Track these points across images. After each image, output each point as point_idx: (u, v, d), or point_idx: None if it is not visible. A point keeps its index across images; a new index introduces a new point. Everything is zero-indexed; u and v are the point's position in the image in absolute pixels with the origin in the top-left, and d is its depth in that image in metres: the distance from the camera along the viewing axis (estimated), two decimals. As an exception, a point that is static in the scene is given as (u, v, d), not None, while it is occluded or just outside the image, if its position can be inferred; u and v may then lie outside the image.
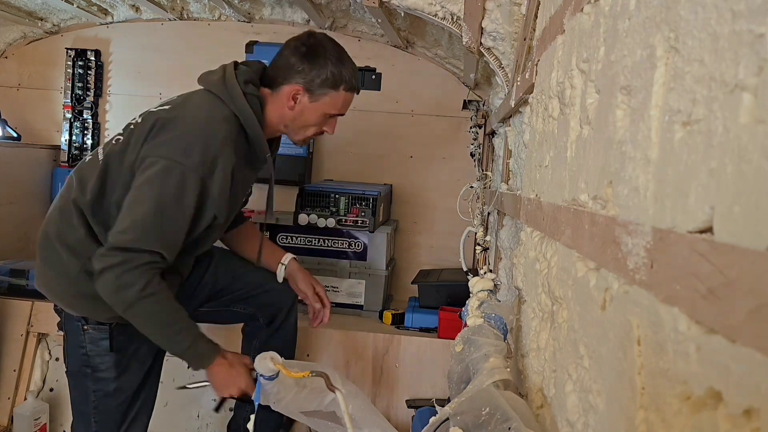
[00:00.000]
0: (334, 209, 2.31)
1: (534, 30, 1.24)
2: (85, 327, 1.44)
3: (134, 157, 1.40)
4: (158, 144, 1.38)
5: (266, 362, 1.03)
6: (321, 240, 2.38)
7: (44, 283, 1.50)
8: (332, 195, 2.31)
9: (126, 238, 1.33)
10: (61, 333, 1.54)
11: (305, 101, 1.52)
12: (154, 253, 1.34)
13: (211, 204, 1.41)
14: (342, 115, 1.61)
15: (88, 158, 1.53)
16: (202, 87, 1.52)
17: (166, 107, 1.47)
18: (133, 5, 2.65)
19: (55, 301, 1.49)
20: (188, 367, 1.46)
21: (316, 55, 1.51)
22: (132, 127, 1.47)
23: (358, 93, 1.60)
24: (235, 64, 1.54)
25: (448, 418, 0.83)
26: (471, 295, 1.30)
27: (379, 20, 2.07)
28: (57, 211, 1.47)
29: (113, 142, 1.48)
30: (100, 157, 1.46)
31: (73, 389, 1.51)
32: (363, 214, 2.26)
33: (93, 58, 2.72)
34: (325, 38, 1.57)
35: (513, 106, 1.45)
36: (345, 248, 2.36)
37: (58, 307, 1.50)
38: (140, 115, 1.49)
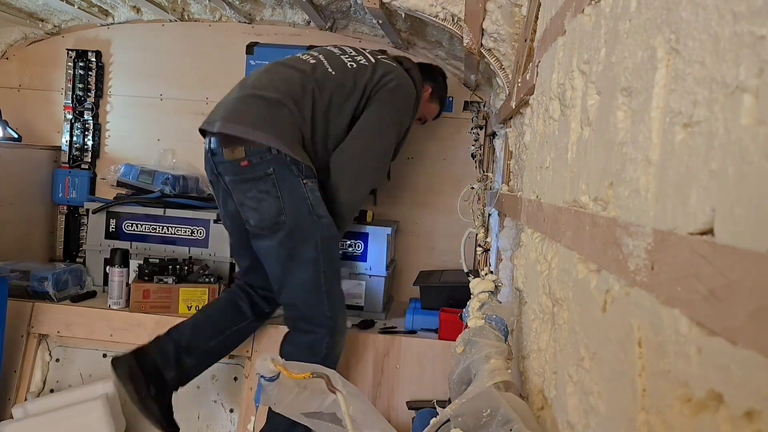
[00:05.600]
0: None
1: (535, 31, 1.24)
2: (304, 181, 1.73)
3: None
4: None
5: (267, 363, 1.03)
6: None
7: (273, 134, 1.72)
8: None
9: None
10: (64, 334, 1.53)
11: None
12: None
13: None
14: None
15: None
16: None
17: None
18: (134, 6, 2.65)
19: (283, 148, 1.70)
20: None
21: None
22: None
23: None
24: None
25: (448, 420, 0.83)
26: (472, 296, 1.30)
27: (380, 21, 2.07)
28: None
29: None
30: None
31: (303, 247, 1.75)
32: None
33: (94, 59, 2.72)
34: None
35: (514, 107, 1.45)
36: (345, 249, 2.36)
37: (270, 164, 1.70)
38: None
